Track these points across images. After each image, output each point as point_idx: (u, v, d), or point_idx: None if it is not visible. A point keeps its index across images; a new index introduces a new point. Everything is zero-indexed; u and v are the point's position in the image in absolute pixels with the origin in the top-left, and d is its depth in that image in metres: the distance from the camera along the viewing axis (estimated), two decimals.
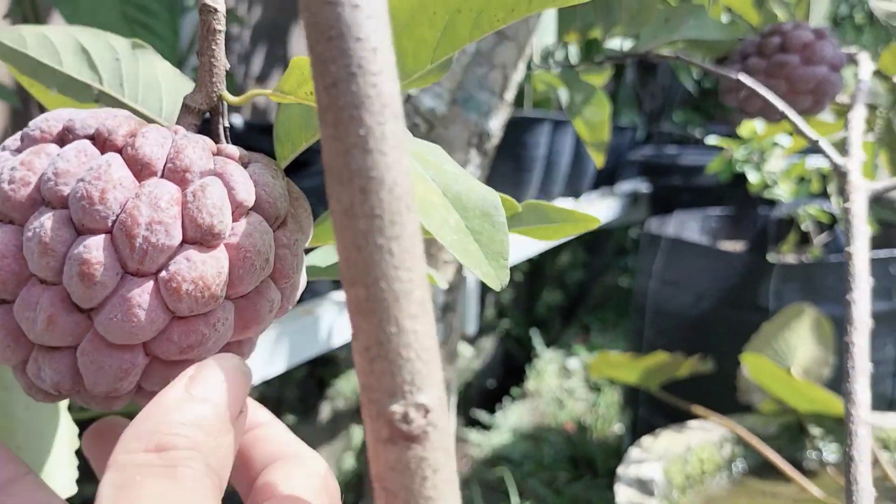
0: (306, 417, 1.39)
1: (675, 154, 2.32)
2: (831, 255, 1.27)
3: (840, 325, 1.26)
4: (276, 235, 0.23)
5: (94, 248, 0.20)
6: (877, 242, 1.54)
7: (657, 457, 0.79)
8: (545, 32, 0.65)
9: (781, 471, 0.83)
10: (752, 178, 1.31)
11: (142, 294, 0.20)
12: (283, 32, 1.28)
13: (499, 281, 0.21)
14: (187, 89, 0.26)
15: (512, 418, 1.76)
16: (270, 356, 0.64)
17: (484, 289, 2.19)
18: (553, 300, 2.70)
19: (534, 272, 2.63)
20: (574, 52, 0.64)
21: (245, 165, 0.23)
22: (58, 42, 0.28)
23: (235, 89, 1.17)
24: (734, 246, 1.63)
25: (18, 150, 0.22)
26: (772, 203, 1.44)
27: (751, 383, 1.01)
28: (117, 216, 0.20)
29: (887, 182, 0.42)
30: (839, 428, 0.93)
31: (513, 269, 2.41)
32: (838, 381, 1.24)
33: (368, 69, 0.13)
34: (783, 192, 1.30)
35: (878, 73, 0.71)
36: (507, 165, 1.59)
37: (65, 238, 0.20)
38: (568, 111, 0.70)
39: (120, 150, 0.21)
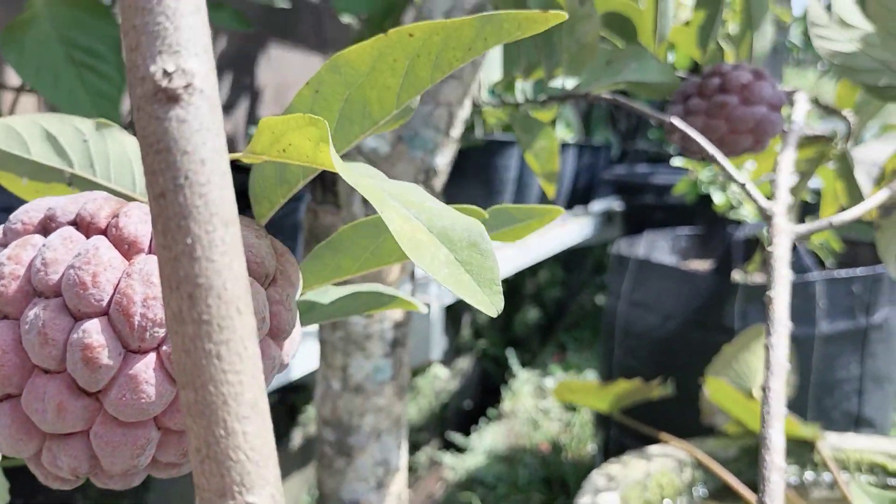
0: (278, 444, 1.38)
1: (648, 173, 2.34)
2: (794, 275, 1.28)
3: (802, 344, 1.28)
4: (269, 293, 0.23)
5: (94, 332, 0.20)
6: (842, 261, 1.57)
7: (616, 484, 0.79)
8: (491, 69, 0.66)
9: (740, 495, 0.84)
10: (717, 199, 1.33)
11: (147, 370, 0.21)
12: (248, 61, 1.29)
13: (494, 307, 0.21)
14: None
15: (487, 440, 1.76)
16: None
17: (457, 311, 2.19)
18: (530, 319, 2.71)
19: (511, 291, 2.63)
20: (521, 88, 0.65)
21: None
22: (23, 131, 0.28)
23: None
24: (703, 265, 1.64)
25: (2, 245, 0.22)
26: (738, 223, 1.46)
27: (713, 406, 1.02)
28: (112, 297, 0.21)
29: (811, 225, 0.43)
30: (798, 450, 0.95)
31: None
32: (800, 401, 1.25)
33: (196, 181, 0.14)
34: (748, 212, 1.32)
35: (824, 108, 0.73)
36: (479, 189, 1.60)
37: (63, 326, 0.20)
38: (519, 144, 0.71)
39: (104, 232, 0.22)
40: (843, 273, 1.29)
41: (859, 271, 1.30)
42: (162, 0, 0.12)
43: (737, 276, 1.48)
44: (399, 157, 0.57)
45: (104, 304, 0.20)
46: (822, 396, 1.29)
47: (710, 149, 0.48)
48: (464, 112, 0.61)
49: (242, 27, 0.73)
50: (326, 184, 0.53)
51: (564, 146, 2.01)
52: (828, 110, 0.70)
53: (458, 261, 0.20)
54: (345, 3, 0.70)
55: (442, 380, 2.06)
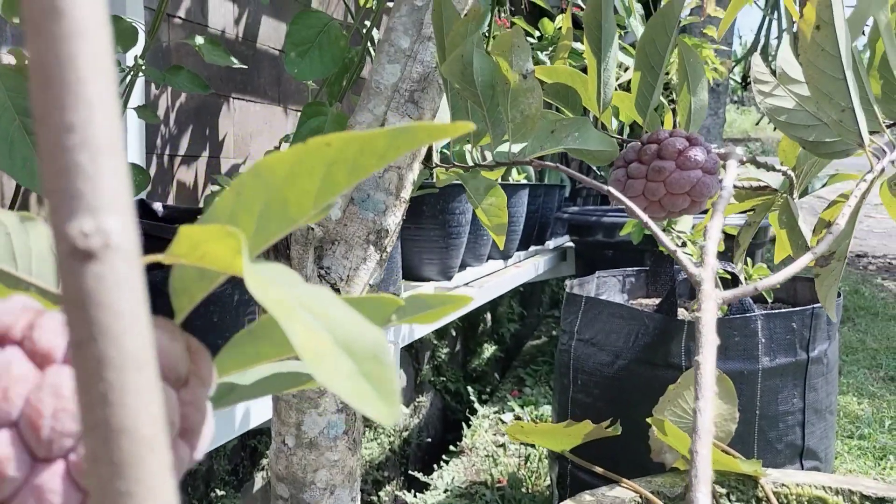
0: (239, 488, 1.38)
1: (599, 213, 2.41)
2: (736, 313, 1.34)
3: (746, 379, 1.33)
4: (180, 396, 0.25)
5: (2, 444, 0.21)
6: (782, 297, 1.64)
7: None
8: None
9: None
10: (664, 238, 1.39)
11: (53, 479, 0.22)
12: (210, 112, 1.32)
13: (392, 418, 0.22)
14: None
15: (447, 477, 1.78)
16: None
17: (417, 348, 2.22)
18: (489, 354, 2.74)
19: (470, 327, 2.67)
20: (470, 150, 0.70)
21: None
22: None
23: (163, 171, 1.19)
24: (651, 303, 1.70)
25: None
26: None
27: (661, 443, 1.06)
28: (21, 410, 0.22)
29: (736, 291, 0.47)
30: (742, 486, 0.99)
31: (447, 326, 2.45)
32: (746, 434, 1.30)
33: (110, 333, 0.14)
34: (690, 252, 1.38)
35: (762, 165, 0.78)
36: (436, 232, 1.65)
37: None
38: (469, 201, 0.75)
39: (19, 343, 0.23)
40: (783, 309, 1.36)
41: (798, 308, 1.37)
42: (80, 165, 0.13)
43: (682, 313, 1.54)
44: (351, 219, 0.61)
45: (14, 416, 0.21)
46: (767, 429, 1.35)
47: (644, 217, 0.52)
48: (413, 175, 0.65)
49: (199, 90, 0.76)
50: (279, 248, 0.56)
51: (519, 187, 2.07)
52: (766, 167, 0.75)
53: (360, 373, 0.21)
54: (300, 72, 0.74)
55: (404, 417, 2.07)
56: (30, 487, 0.22)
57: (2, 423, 0.22)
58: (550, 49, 1.33)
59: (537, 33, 1.39)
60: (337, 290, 0.59)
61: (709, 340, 0.40)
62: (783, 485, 0.99)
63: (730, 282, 1.48)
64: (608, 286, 1.75)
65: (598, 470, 0.99)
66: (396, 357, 1.06)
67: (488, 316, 2.86)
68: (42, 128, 0.14)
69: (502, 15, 1.29)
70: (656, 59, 0.55)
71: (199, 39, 0.78)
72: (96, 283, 0.13)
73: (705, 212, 0.84)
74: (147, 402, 0.15)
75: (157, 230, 0.79)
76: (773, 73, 0.63)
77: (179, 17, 1.21)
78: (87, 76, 0.13)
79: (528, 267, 2.17)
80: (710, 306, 0.42)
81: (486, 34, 1.08)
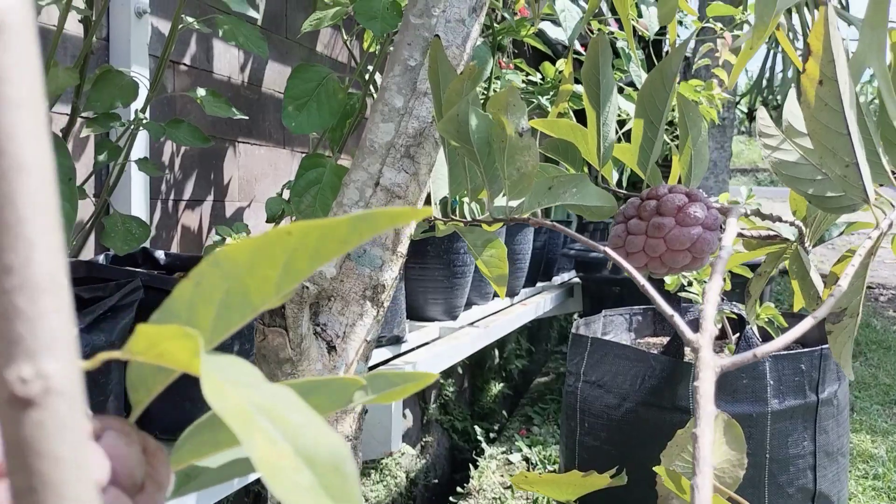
0: None
1: None
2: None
3: (755, 422, 1.31)
4: (136, 501, 0.25)
5: None
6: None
7: None
8: (439, 187, 0.70)
9: None
10: (667, 279, 1.38)
11: None
12: (217, 155, 1.33)
13: None
14: None
15: None
16: None
17: (426, 387, 2.20)
18: (497, 391, 2.72)
19: (477, 364, 2.65)
20: (468, 204, 0.70)
21: (98, 438, 0.25)
22: None
23: (168, 215, 1.20)
24: (659, 342, 1.69)
25: None
26: (690, 301, 1.51)
27: (668, 491, 1.04)
28: None
29: (735, 358, 0.46)
30: None
31: (455, 364, 2.43)
32: (756, 478, 1.28)
33: (50, 479, 0.13)
34: (696, 292, 1.37)
35: (767, 216, 0.78)
36: (440, 272, 1.64)
37: None
38: (470, 253, 0.75)
39: None
40: (791, 351, 1.34)
41: (806, 349, 1.35)
42: (18, 308, 0.13)
43: (690, 354, 1.53)
44: (347, 275, 0.60)
45: None
46: (778, 473, 1.33)
47: (641, 279, 0.52)
48: (410, 229, 0.65)
49: (200, 143, 0.77)
50: (274, 308, 0.56)
51: (525, 224, 2.07)
52: (771, 218, 0.75)
53: (321, 486, 0.20)
54: (297, 125, 0.74)
55: (409, 457, 2.05)
56: None
57: None
58: (552, 93, 1.34)
59: (539, 76, 1.40)
60: (333, 347, 0.59)
61: (707, 412, 0.39)
62: None
63: (736, 322, 1.47)
64: (615, 325, 1.74)
65: None
66: (398, 404, 1.05)
67: (496, 352, 2.84)
68: None
69: (504, 58, 1.29)
70: (655, 114, 0.55)
71: (201, 91, 0.78)
72: (36, 431, 0.13)
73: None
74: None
75: (157, 282, 0.79)
76: (778, 123, 0.62)
77: (185, 64, 1.23)
78: (26, 214, 0.13)
79: (534, 304, 2.17)
80: (707, 375, 0.41)
81: (489, 79, 1.09)
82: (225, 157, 1.35)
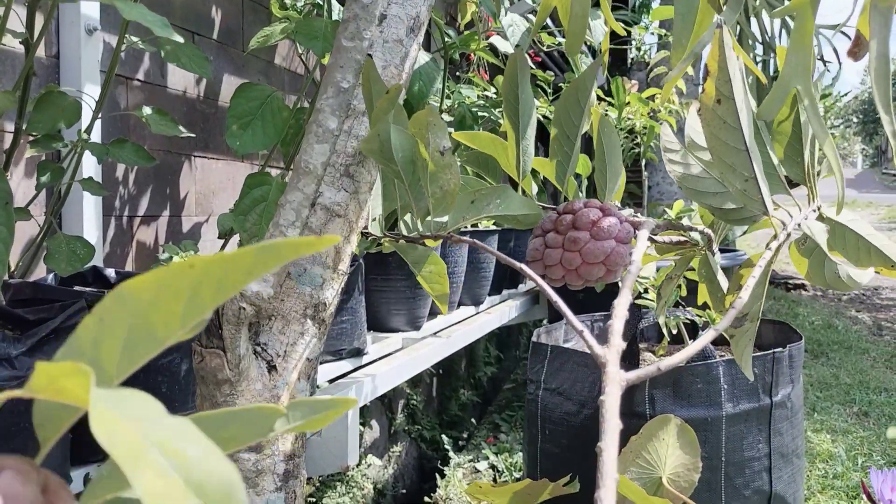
0: None
1: None
2: (697, 359, 1.35)
3: (710, 426, 1.33)
4: None
5: None
6: None
7: None
8: (375, 205, 0.71)
9: None
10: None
11: None
12: (173, 170, 1.32)
13: None
14: None
15: None
16: None
17: (390, 397, 2.21)
18: (465, 399, 2.73)
19: (445, 373, 2.66)
20: (404, 220, 0.71)
21: None
22: None
23: (122, 232, 1.19)
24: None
25: None
26: (647, 308, 1.53)
27: (623, 497, 1.06)
28: None
29: (640, 372, 0.48)
30: None
31: (423, 372, 2.44)
32: (713, 481, 1.30)
33: None
34: (653, 298, 1.39)
35: (679, 227, 0.80)
36: (402, 283, 1.65)
37: None
38: (412, 269, 0.76)
39: None
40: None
41: (759, 353, 1.38)
42: None
43: (650, 357, 1.55)
44: (288, 294, 0.61)
45: None
46: (734, 476, 1.35)
47: (553, 295, 0.53)
48: (351, 247, 0.65)
49: (144, 163, 0.77)
50: (211, 328, 0.56)
51: (489, 232, 2.09)
52: (685, 228, 0.77)
53: None
54: (242, 144, 0.75)
55: (376, 468, 2.05)
56: None
57: None
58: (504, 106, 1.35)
59: (493, 90, 1.41)
60: (273, 367, 0.59)
61: (611, 426, 0.40)
62: None
63: (689, 327, 1.49)
64: (576, 332, 1.76)
65: None
66: (355, 417, 1.05)
67: (464, 360, 2.85)
68: None
69: (457, 74, 1.31)
70: (571, 129, 0.57)
71: (147, 110, 0.78)
72: None
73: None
74: None
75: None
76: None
77: (138, 80, 1.22)
78: None
79: (499, 313, 2.18)
80: (613, 390, 0.42)
81: (441, 94, 1.10)
82: (181, 172, 1.35)
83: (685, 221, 0.78)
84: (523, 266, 0.57)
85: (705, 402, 1.32)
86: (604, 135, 0.61)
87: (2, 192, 0.57)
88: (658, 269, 1.62)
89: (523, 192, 0.64)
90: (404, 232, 0.68)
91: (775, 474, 1.39)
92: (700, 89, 0.52)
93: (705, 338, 0.49)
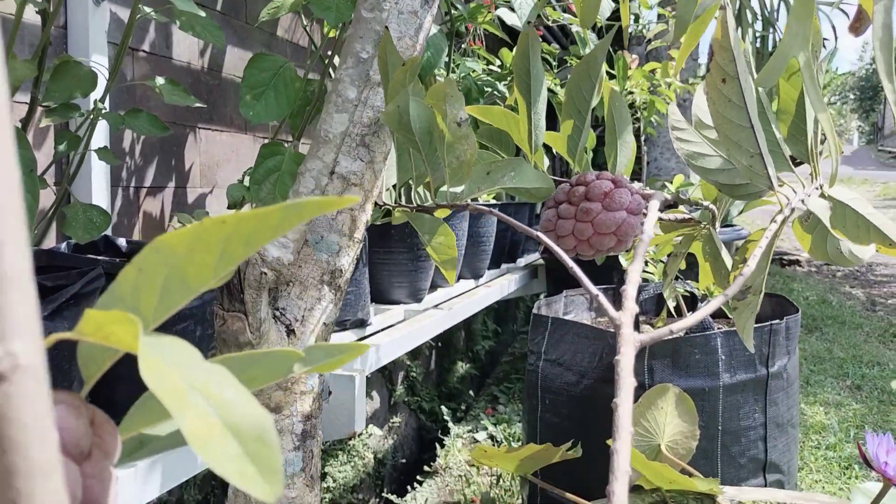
0: None
1: None
2: (696, 331, 1.38)
3: (708, 396, 1.36)
4: (83, 470, 0.27)
5: None
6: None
7: None
8: (389, 175, 0.72)
9: None
10: (623, 260, 1.42)
11: None
12: (178, 142, 1.33)
13: (273, 496, 0.22)
14: None
15: (421, 498, 1.79)
16: (144, 484, 0.67)
17: (390, 369, 2.23)
18: (463, 372, 2.76)
19: (443, 345, 2.69)
20: (416, 191, 0.72)
21: None
22: None
23: (129, 203, 1.20)
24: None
25: None
26: (646, 281, 1.55)
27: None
28: None
29: (653, 333, 0.50)
30: (701, 503, 1.02)
31: (422, 345, 2.46)
32: (710, 450, 1.33)
33: (19, 443, 0.15)
34: (652, 271, 1.41)
35: (687, 201, 0.82)
36: (404, 255, 1.66)
37: None
38: (420, 239, 0.78)
39: None
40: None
41: (756, 324, 1.40)
42: None
43: (648, 329, 1.57)
44: (305, 261, 0.62)
45: None
46: (730, 444, 1.38)
47: (569, 261, 0.55)
48: (366, 215, 0.67)
49: (158, 132, 0.78)
50: (233, 292, 0.58)
51: (490, 206, 2.10)
52: (690, 203, 0.78)
53: (246, 454, 0.22)
54: (255, 114, 0.76)
55: (377, 438, 2.08)
56: None
57: None
58: (509, 79, 1.36)
59: (497, 63, 1.42)
60: (292, 331, 0.61)
61: (626, 384, 0.42)
62: (740, 502, 1.01)
63: (689, 300, 1.51)
64: (576, 305, 1.78)
65: (567, 495, 1.01)
66: (362, 385, 1.07)
67: (462, 333, 2.87)
68: None
69: (462, 46, 1.31)
70: (583, 104, 0.58)
71: (160, 80, 0.79)
72: (5, 401, 0.15)
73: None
74: (54, 501, 0.16)
75: (118, 269, 0.80)
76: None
77: (144, 51, 1.23)
78: None
79: (498, 286, 2.20)
80: (628, 350, 0.44)
81: (447, 66, 1.11)
82: (186, 144, 1.35)
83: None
84: (539, 233, 0.59)
85: (703, 372, 1.35)
86: (615, 109, 0.62)
87: (25, 160, 0.58)
88: (657, 245, 1.64)
89: (535, 165, 0.66)
90: (417, 203, 0.69)
91: (770, 443, 1.42)
92: (704, 69, 0.53)
93: (714, 303, 0.51)
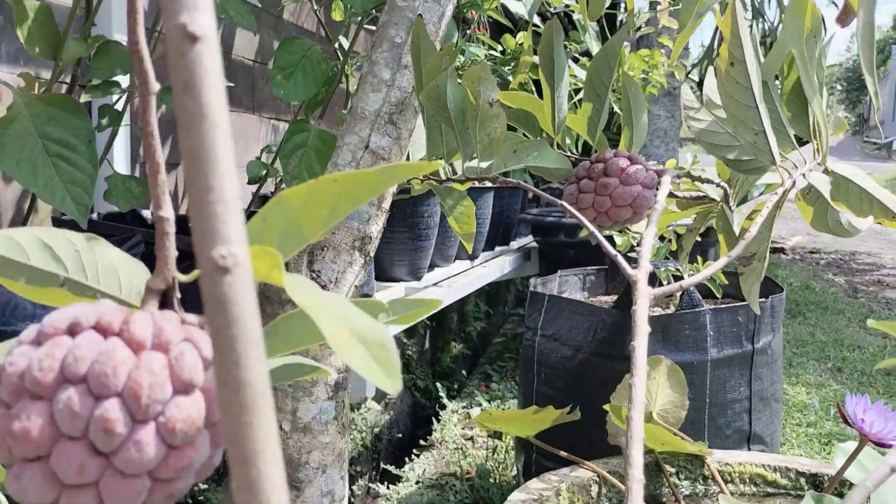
0: (220, 482, 1.44)
1: (560, 214, 2.51)
2: (686, 308, 1.44)
3: (696, 370, 1.43)
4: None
5: (112, 409, 0.28)
6: (731, 292, 1.75)
7: (532, 500, 0.91)
8: (416, 150, 0.78)
9: None
10: (619, 240, 1.48)
11: (148, 436, 0.29)
12: None
13: (394, 388, 0.27)
14: (138, 270, 0.36)
15: (419, 469, 1.86)
16: None
17: None
18: (457, 351, 2.83)
19: (437, 326, 2.75)
20: (445, 168, 0.78)
21: (202, 327, 0.33)
22: (23, 241, 0.35)
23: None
24: (610, 300, 1.80)
25: (37, 343, 0.30)
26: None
27: (618, 428, 1.15)
28: (125, 384, 0.29)
29: (665, 289, 0.56)
30: (690, 465, 1.09)
31: (416, 325, 2.52)
32: (698, 421, 1.40)
33: (238, 318, 0.23)
34: (619, 243, 1.48)
35: (698, 178, 0.88)
36: (405, 235, 1.72)
37: (88, 404, 0.29)
38: (443, 210, 0.83)
39: (119, 334, 0.30)
40: (730, 304, 1.46)
41: (743, 302, 1.47)
42: (217, 213, 0.20)
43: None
44: (338, 228, 0.68)
45: (119, 388, 0.28)
46: (717, 416, 1.45)
47: (591, 227, 0.61)
48: (392, 188, 0.73)
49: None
50: None
51: (485, 189, 2.15)
52: (702, 180, 0.84)
53: (371, 356, 0.27)
54: (286, 93, 0.81)
55: (375, 413, 2.14)
56: (131, 441, 0.29)
57: (111, 393, 0.29)
58: (512, 64, 1.41)
59: (500, 48, 1.47)
60: (327, 291, 0.67)
61: (642, 330, 0.48)
62: (727, 464, 1.08)
63: (678, 277, 1.58)
64: (570, 284, 1.84)
65: (561, 454, 1.08)
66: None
67: (455, 315, 2.94)
68: (192, 188, 0.21)
69: (467, 32, 1.36)
70: (602, 90, 0.64)
71: None
72: (230, 288, 0.21)
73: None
74: (260, 366, 0.22)
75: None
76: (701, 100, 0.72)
77: (160, 32, 1.27)
78: (220, 155, 0.21)
79: (493, 267, 2.26)
80: (643, 301, 0.50)
81: (455, 51, 1.16)
82: None
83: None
84: (564, 203, 0.65)
85: (692, 347, 1.41)
86: (630, 94, 0.68)
87: (85, 131, 0.63)
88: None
89: (558, 145, 0.72)
90: (442, 177, 0.75)
91: (755, 416, 1.49)
92: (714, 53, 0.59)
93: (719, 263, 0.57)
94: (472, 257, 2.19)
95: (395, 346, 0.30)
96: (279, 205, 0.34)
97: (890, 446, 0.84)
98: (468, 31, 1.40)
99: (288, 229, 0.35)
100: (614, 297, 1.81)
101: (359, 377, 1.09)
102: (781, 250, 5.35)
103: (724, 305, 1.44)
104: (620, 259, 0.57)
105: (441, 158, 0.77)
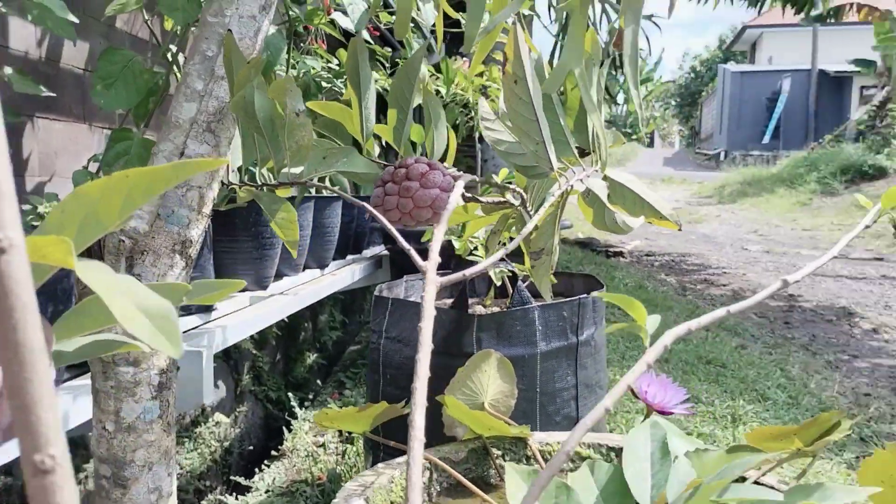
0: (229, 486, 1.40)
1: None
2: (517, 306, 1.55)
3: (527, 363, 1.53)
4: None
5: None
6: (561, 290, 1.89)
7: (365, 490, 0.96)
8: (235, 156, 0.81)
9: (466, 487, 1.04)
10: (457, 245, 1.57)
11: None
12: (15, 132, 1.33)
13: (176, 352, 0.31)
14: None
15: (269, 479, 1.86)
16: None
17: (237, 359, 2.28)
18: (311, 361, 2.84)
19: (289, 336, 2.75)
20: (261, 172, 0.82)
21: None
22: None
23: None
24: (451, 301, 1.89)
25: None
26: (476, 263, 1.71)
27: (452, 420, 1.23)
28: None
29: (450, 277, 0.63)
30: (515, 447, 1.18)
31: (267, 335, 2.51)
32: (530, 409, 1.50)
33: (15, 292, 0.28)
34: (480, 255, 1.57)
35: (496, 185, 0.96)
36: (248, 244, 1.73)
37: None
38: (267, 214, 0.87)
39: None
40: (556, 301, 1.58)
41: (567, 299, 1.60)
42: None
43: (480, 309, 1.74)
44: (158, 232, 0.71)
45: None
46: (547, 404, 1.57)
47: (389, 227, 0.67)
48: (213, 192, 0.76)
49: (10, 118, 0.82)
50: (93, 257, 0.65)
51: (333, 199, 2.19)
52: (500, 187, 0.93)
53: (155, 327, 0.31)
54: (106, 102, 0.82)
55: (224, 426, 2.12)
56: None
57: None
58: (345, 77, 1.47)
59: (336, 61, 1.52)
60: None
61: (428, 313, 0.55)
62: (547, 444, 1.18)
63: (510, 278, 1.70)
64: (415, 288, 1.92)
65: (400, 446, 1.14)
66: (209, 360, 1.15)
67: (309, 325, 2.95)
68: None
69: (302, 45, 1.40)
70: (404, 102, 0.71)
71: (8, 70, 0.83)
72: (7, 266, 0.25)
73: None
74: (35, 331, 0.26)
75: None
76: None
77: None
78: None
79: (343, 275, 2.30)
80: (431, 288, 0.56)
81: (287, 64, 1.20)
82: (23, 134, 1.35)
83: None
84: (368, 206, 0.71)
85: (523, 341, 1.52)
86: (430, 107, 0.75)
87: None
88: (487, 231, 1.81)
89: (367, 152, 0.77)
90: (258, 182, 0.79)
91: (581, 402, 1.62)
92: (502, 72, 0.67)
93: (492, 259, 0.64)
94: (322, 266, 2.23)
95: (177, 318, 0.35)
96: (77, 197, 0.38)
97: (671, 413, 0.96)
98: (304, 45, 1.44)
99: (86, 218, 0.38)
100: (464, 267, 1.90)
101: (193, 383, 1.11)
102: (620, 254, 5.72)
103: (551, 302, 1.56)
104: (413, 253, 0.64)
105: (255, 165, 0.81)
